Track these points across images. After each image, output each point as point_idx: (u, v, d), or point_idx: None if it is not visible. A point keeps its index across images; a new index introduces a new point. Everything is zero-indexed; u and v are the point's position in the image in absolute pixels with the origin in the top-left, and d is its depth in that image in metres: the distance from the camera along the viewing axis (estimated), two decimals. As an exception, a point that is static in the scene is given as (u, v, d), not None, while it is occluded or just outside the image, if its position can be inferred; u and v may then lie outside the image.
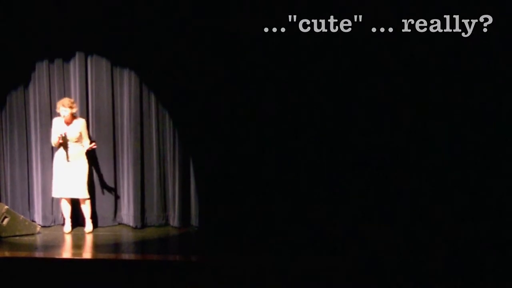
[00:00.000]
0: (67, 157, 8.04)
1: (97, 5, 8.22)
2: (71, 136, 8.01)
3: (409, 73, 7.86)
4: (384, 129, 7.95)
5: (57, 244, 7.84)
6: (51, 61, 8.43)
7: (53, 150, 8.20)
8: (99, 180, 8.46)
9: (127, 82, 8.41)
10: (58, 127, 8.02)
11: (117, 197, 8.55)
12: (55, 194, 8.19)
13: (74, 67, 8.42)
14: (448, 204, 7.72)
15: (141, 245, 7.82)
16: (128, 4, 8.23)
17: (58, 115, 8.10)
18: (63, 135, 7.95)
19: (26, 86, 8.49)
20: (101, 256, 7.32)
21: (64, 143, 8.00)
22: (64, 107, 7.96)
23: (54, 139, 8.04)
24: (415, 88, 7.87)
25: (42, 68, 8.42)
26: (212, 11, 8.12)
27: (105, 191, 8.48)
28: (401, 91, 7.90)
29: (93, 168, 8.38)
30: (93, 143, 8.21)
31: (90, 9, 8.22)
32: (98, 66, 8.41)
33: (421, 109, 7.86)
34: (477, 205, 7.63)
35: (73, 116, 8.08)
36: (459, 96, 7.74)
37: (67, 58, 8.44)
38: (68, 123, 8.05)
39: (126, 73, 8.41)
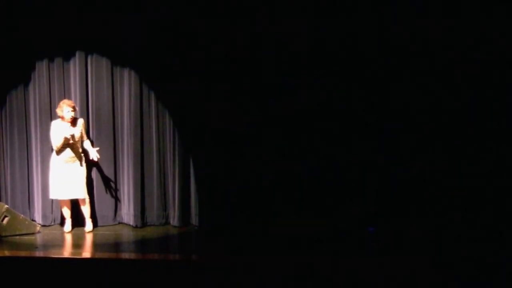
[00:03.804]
0: (79, 161, 8.06)
1: (97, 4, 8.22)
2: (76, 136, 8.03)
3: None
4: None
5: (57, 243, 7.84)
6: (51, 60, 8.43)
7: (53, 149, 8.18)
8: (99, 179, 8.47)
9: (127, 82, 8.41)
10: (61, 129, 8.00)
11: (117, 197, 8.56)
12: (52, 195, 8.18)
13: (74, 66, 8.42)
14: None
15: (141, 244, 7.83)
16: (128, 3, 8.23)
17: (57, 116, 8.09)
18: (73, 135, 7.94)
19: (26, 85, 8.50)
20: (101, 255, 7.32)
21: (70, 144, 7.99)
22: (69, 107, 7.95)
23: (58, 142, 8.00)
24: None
25: (42, 67, 8.42)
26: (211, 12, 8.13)
27: (105, 190, 8.49)
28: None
29: (93, 167, 8.39)
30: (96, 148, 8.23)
31: (90, 8, 8.22)
32: (98, 66, 8.41)
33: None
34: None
35: (74, 117, 8.09)
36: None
37: (67, 58, 8.44)
38: (71, 124, 8.04)
39: (126, 72, 8.41)
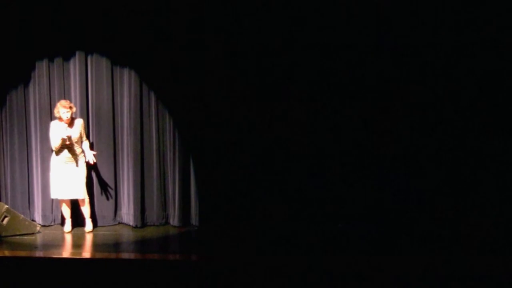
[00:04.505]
0: (76, 162, 8.05)
1: (97, 4, 8.22)
2: (73, 137, 8.02)
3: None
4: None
5: (57, 243, 7.84)
6: (51, 60, 8.42)
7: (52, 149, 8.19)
8: (99, 179, 8.46)
9: (127, 82, 8.40)
10: (59, 130, 7.98)
11: (117, 197, 8.55)
12: (53, 195, 8.18)
13: (74, 66, 8.42)
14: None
15: (141, 244, 7.83)
16: (128, 3, 8.23)
17: (55, 117, 8.08)
18: (69, 136, 7.94)
19: (26, 85, 8.49)
20: (101, 255, 7.32)
21: (68, 145, 7.99)
22: (65, 109, 7.94)
23: (56, 142, 7.99)
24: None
25: (42, 67, 8.42)
26: (211, 11, 8.13)
27: (105, 190, 8.48)
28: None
29: (93, 168, 8.38)
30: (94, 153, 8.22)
31: (90, 8, 8.22)
32: (98, 65, 8.40)
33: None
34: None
35: (72, 117, 8.08)
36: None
37: (67, 57, 8.43)
38: (69, 124, 8.04)
39: (126, 72, 8.41)
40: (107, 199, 8.51)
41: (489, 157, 7.79)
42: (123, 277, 6.47)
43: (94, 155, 8.16)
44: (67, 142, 7.97)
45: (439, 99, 7.91)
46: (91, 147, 8.30)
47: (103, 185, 8.48)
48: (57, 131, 7.98)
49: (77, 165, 8.08)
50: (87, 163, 8.18)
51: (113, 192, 8.52)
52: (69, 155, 8.03)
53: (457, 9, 7.79)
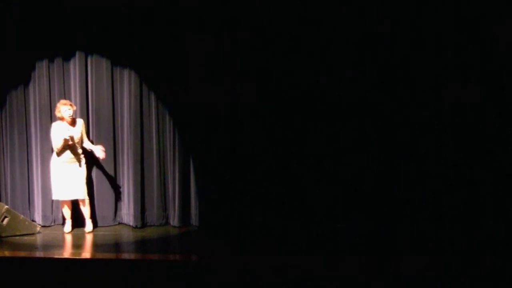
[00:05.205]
0: (79, 162, 8.05)
1: (97, 4, 8.22)
2: (76, 137, 8.02)
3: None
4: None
5: (57, 244, 7.84)
6: (51, 60, 8.43)
7: (53, 149, 8.18)
8: (100, 180, 8.46)
9: (127, 82, 8.41)
10: (61, 130, 7.98)
11: (117, 197, 8.56)
12: (55, 196, 8.19)
13: (74, 66, 8.42)
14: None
15: (141, 245, 7.83)
16: (128, 3, 8.23)
17: (56, 119, 8.08)
18: (72, 136, 7.94)
19: (26, 85, 8.50)
20: (101, 255, 7.31)
21: (70, 146, 7.99)
22: (66, 106, 7.94)
23: (58, 143, 7.98)
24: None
25: (42, 67, 8.43)
26: (211, 11, 8.13)
27: (105, 190, 8.48)
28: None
29: (93, 168, 8.38)
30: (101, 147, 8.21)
31: (90, 8, 8.22)
32: (98, 66, 8.41)
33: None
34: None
35: (73, 117, 8.08)
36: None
37: (67, 58, 8.44)
38: (71, 124, 8.03)
39: (126, 72, 8.41)
40: (107, 199, 8.50)
41: (489, 157, 7.79)
42: (123, 277, 6.47)
43: (102, 150, 8.14)
44: (70, 143, 7.97)
45: (439, 98, 7.90)
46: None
47: (103, 185, 8.48)
48: (59, 132, 7.98)
49: (79, 165, 8.08)
50: (97, 158, 8.14)
51: (113, 192, 8.52)
52: (72, 156, 8.03)
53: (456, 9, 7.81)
